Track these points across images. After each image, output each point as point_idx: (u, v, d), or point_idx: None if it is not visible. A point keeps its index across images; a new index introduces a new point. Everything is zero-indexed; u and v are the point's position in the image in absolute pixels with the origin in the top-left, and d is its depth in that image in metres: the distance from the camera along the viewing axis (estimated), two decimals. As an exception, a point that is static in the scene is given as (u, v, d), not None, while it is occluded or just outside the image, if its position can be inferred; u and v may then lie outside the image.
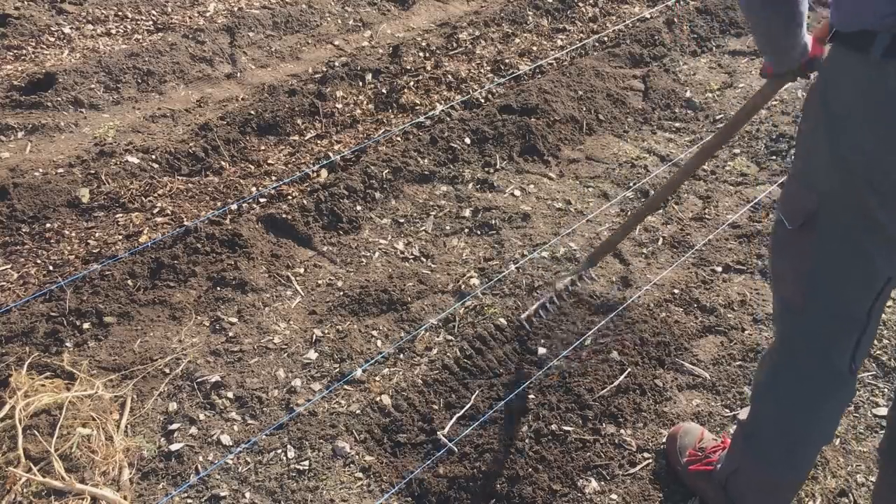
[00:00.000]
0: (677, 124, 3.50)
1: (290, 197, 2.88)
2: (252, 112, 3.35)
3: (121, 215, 2.75)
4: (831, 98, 1.21)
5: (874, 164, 1.16)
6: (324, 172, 3.01)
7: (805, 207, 1.29)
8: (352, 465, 1.91)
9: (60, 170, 2.98)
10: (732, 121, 1.89)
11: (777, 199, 1.43)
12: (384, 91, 3.64)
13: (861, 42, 1.13)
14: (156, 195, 2.85)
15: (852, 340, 1.38)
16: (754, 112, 1.84)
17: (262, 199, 2.87)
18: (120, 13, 4.32)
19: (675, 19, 4.31)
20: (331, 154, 3.13)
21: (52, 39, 4.00)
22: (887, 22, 1.09)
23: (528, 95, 3.44)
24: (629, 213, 2.88)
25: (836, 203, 1.25)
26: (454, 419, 2.02)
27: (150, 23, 4.24)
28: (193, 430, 1.99)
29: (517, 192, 2.97)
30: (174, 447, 1.93)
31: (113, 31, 4.13)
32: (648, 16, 4.55)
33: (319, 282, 2.51)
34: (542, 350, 2.23)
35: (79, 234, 2.66)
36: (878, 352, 2.26)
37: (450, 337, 2.30)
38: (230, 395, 2.08)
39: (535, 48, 4.17)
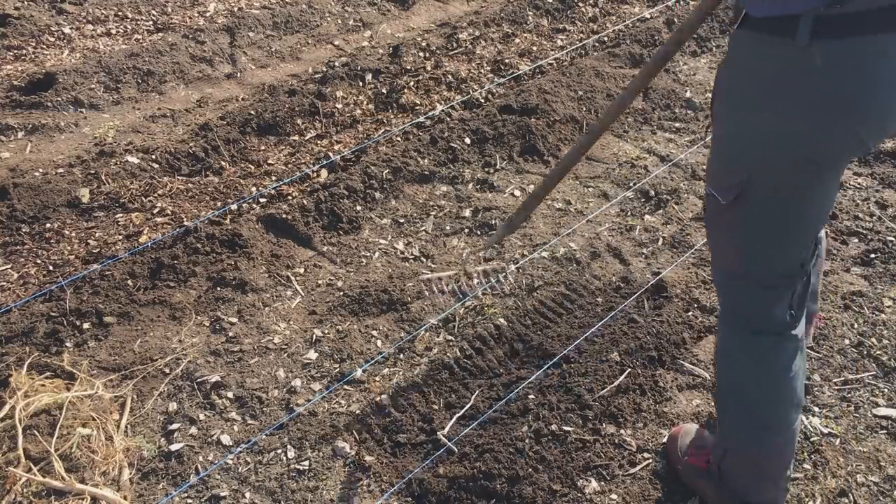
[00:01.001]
0: (677, 124, 3.50)
1: (290, 197, 2.88)
2: (252, 112, 3.35)
3: (121, 215, 2.75)
4: (755, 83, 1.24)
5: (810, 142, 1.23)
6: (324, 172, 3.01)
7: (735, 183, 1.35)
8: (352, 465, 1.91)
9: (60, 170, 2.98)
10: (668, 45, 1.61)
11: (706, 175, 1.50)
12: (384, 91, 3.64)
13: (783, 27, 1.14)
14: (156, 195, 2.85)
15: (790, 292, 1.48)
16: (689, 34, 1.58)
17: (262, 199, 2.87)
18: (120, 13, 4.32)
19: (675, 19, 4.31)
20: (331, 154, 3.13)
21: (52, 39, 4.00)
22: (810, 5, 1.10)
23: (528, 95, 3.44)
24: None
25: (766, 177, 1.32)
26: (454, 419, 2.02)
27: (150, 23, 4.24)
28: (193, 430, 1.99)
29: (517, 192, 2.97)
30: (174, 447, 1.93)
31: (113, 31, 4.13)
32: (648, 16, 4.55)
33: (319, 282, 2.51)
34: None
35: (79, 234, 2.66)
36: (878, 352, 2.26)
37: (450, 337, 2.30)
38: (230, 395, 2.08)
39: (535, 48, 4.17)
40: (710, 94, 3.73)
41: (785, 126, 1.23)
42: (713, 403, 2.09)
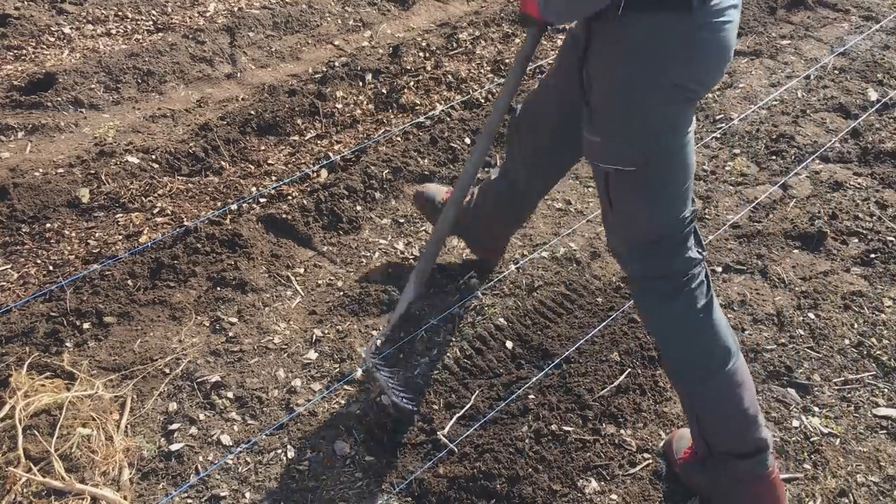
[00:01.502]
0: (677, 124, 3.50)
1: (290, 197, 2.88)
2: (252, 112, 3.35)
3: (121, 215, 2.75)
4: (654, 56, 1.44)
5: (702, 87, 1.53)
6: (324, 172, 3.01)
7: (643, 149, 1.53)
8: (352, 465, 1.91)
9: (60, 170, 2.97)
10: (504, 90, 1.88)
11: (601, 158, 1.61)
12: (384, 91, 3.64)
13: (679, 2, 1.38)
14: (156, 195, 2.85)
15: (693, 232, 1.65)
16: (522, 73, 1.85)
17: (262, 199, 2.87)
18: (120, 13, 4.32)
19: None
20: (331, 154, 3.13)
21: (52, 39, 4.00)
22: None
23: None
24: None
25: (670, 133, 1.53)
26: (454, 419, 2.02)
27: (150, 23, 4.24)
28: (193, 430, 1.99)
29: (517, 192, 2.97)
30: (174, 447, 1.93)
31: (113, 31, 4.13)
32: (648, 16, 4.54)
33: (319, 282, 2.51)
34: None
35: (79, 234, 2.66)
36: (878, 352, 2.26)
37: (450, 337, 2.30)
38: (230, 395, 2.08)
39: (535, 48, 4.16)
40: (709, 94, 3.72)
41: (686, 82, 1.47)
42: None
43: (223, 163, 3.09)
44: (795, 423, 2.04)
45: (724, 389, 1.66)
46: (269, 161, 3.12)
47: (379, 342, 1.98)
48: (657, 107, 1.50)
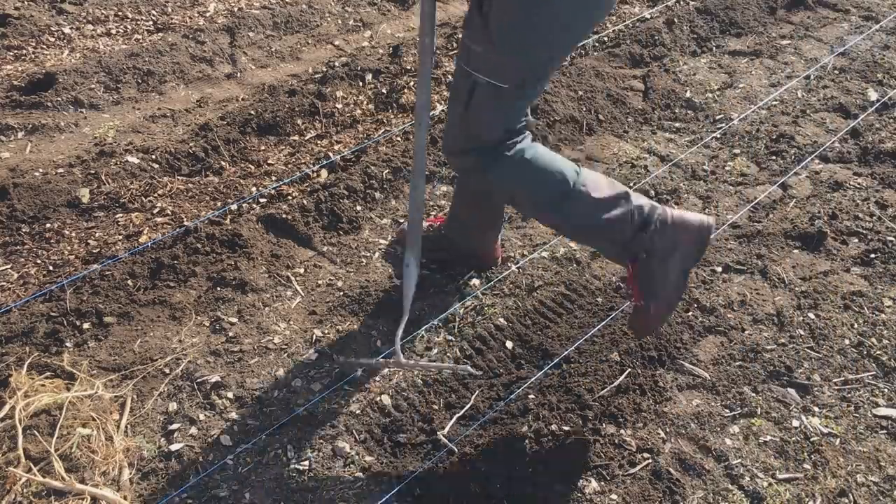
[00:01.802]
0: (677, 124, 3.50)
1: (290, 197, 2.88)
2: (252, 112, 3.35)
3: (121, 215, 2.75)
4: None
5: (603, 9, 1.73)
6: (324, 172, 3.01)
7: (529, 71, 1.72)
8: (352, 465, 1.91)
9: (60, 170, 2.97)
10: (421, 81, 1.94)
11: (482, 71, 1.73)
12: (384, 91, 3.64)
13: None
14: (156, 195, 2.85)
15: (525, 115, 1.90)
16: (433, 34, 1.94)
17: (262, 200, 2.87)
18: (120, 13, 4.32)
19: (675, 19, 4.31)
20: (331, 154, 3.13)
21: (52, 39, 4.00)
22: None
23: (528, 95, 3.43)
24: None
25: (549, 60, 1.74)
26: (454, 419, 2.02)
27: (150, 23, 4.24)
28: (193, 430, 1.99)
29: (517, 192, 2.97)
30: (174, 447, 1.93)
31: (113, 31, 4.13)
32: (648, 16, 4.54)
33: (319, 282, 2.51)
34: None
35: (79, 234, 2.66)
36: (878, 352, 2.26)
37: (450, 337, 2.30)
38: (230, 395, 2.08)
39: (535, 48, 4.16)
40: (709, 94, 3.72)
41: (586, 9, 1.67)
42: (712, 403, 2.09)
43: (223, 163, 3.09)
44: (795, 423, 2.04)
45: (585, 196, 1.86)
46: (269, 161, 3.12)
47: (400, 335, 2.07)
48: (548, 42, 1.67)
